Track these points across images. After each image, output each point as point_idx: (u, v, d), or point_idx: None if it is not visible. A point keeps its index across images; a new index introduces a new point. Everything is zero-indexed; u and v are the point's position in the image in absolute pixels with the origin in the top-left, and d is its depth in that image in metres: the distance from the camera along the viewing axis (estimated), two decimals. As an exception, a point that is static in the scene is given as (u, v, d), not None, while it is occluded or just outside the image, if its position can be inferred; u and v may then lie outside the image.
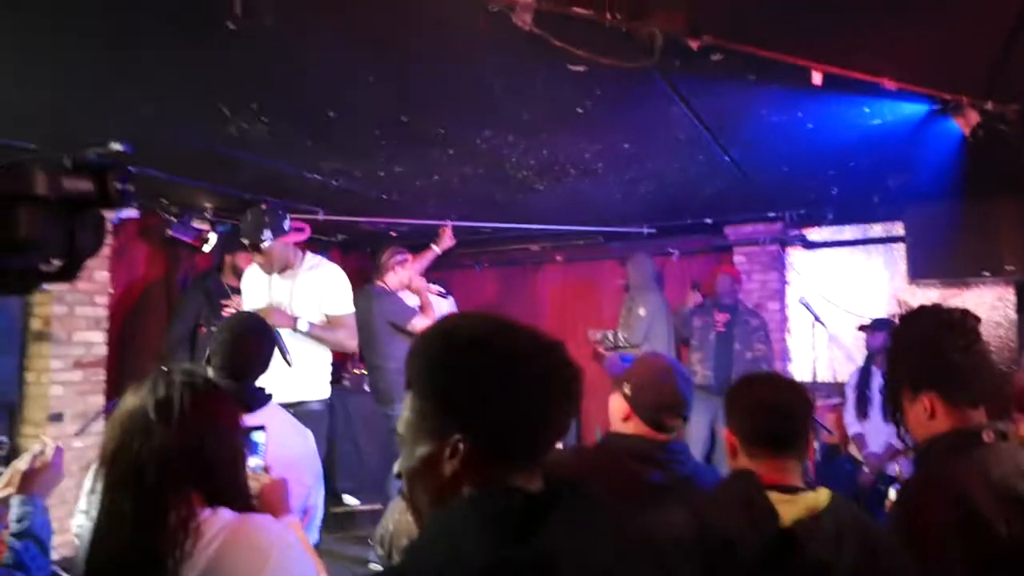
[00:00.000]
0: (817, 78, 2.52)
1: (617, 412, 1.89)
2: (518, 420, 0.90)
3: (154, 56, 2.45)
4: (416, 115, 3.06)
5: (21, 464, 1.81)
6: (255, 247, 3.62)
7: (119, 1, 2.04)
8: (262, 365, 2.23)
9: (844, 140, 3.45)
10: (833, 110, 3.03)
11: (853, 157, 3.77)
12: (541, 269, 7.04)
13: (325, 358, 3.76)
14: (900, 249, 5.29)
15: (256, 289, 3.82)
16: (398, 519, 1.76)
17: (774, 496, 1.38)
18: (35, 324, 4.38)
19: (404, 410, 0.98)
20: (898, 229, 5.29)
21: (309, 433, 2.28)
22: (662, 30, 2.20)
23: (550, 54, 2.27)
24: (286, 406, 3.50)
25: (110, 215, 4.53)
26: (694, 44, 2.27)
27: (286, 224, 3.65)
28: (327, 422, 3.84)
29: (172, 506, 1.27)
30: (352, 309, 3.77)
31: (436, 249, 4.82)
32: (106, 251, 4.57)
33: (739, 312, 5.39)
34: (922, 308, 1.61)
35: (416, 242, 5.85)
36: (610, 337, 5.44)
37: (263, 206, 3.73)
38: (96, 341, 4.52)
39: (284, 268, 3.68)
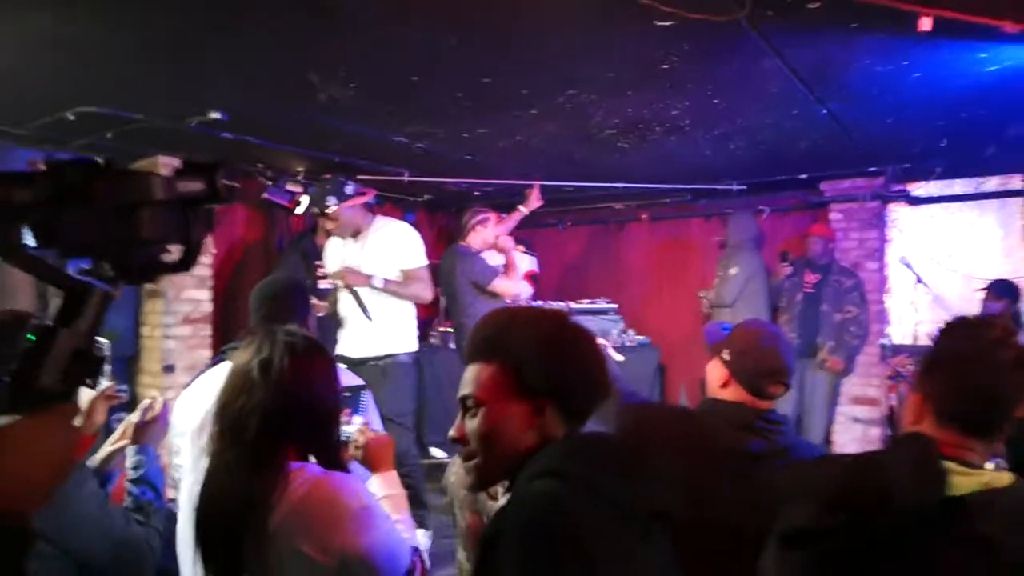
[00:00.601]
0: (926, 24, 2.33)
1: (715, 379, 1.86)
2: (585, 387, 1.21)
3: (250, 29, 2.53)
4: (498, 77, 3.04)
5: (133, 417, 1.97)
6: (322, 213, 3.85)
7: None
8: (300, 320, 2.24)
9: (956, 88, 3.20)
10: (944, 57, 2.81)
11: (966, 107, 3.49)
12: (626, 228, 6.94)
13: (409, 313, 3.91)
14: (1017, 204, 4.91)
15: (333, 254, 4.03)
16: (457, 472, 1.84)
17: (951, 466, 1.27)
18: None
19: (479, 376, 1.18)
20: (1015, 183, 4.89)
21: (359, 381, 2.33)
22: (754, -20, 2.09)
23: (636, 10, 2.20)
24: (374, 359, 3.81)
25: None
26: (789, -7, 2.15)
27: (348, 189, 3.81)
28: (414, 374, 4.02)
29: (267, 457, 1.38)
30: (424, 262, 3.89)
31: (523, 210, 4.82)
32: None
33: (831, 272, 5.17)
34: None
35: (500, 201, 5.88)
36: (709, 296, 5.34)
37: (326, 176, 3.96)
38: (202, 299, 4.82)
39: (356, 232, 3.87)
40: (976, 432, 1.32)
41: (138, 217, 0.67)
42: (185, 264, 0.74)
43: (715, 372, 1.87)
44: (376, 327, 3.82)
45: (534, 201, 4.81)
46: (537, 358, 1.15)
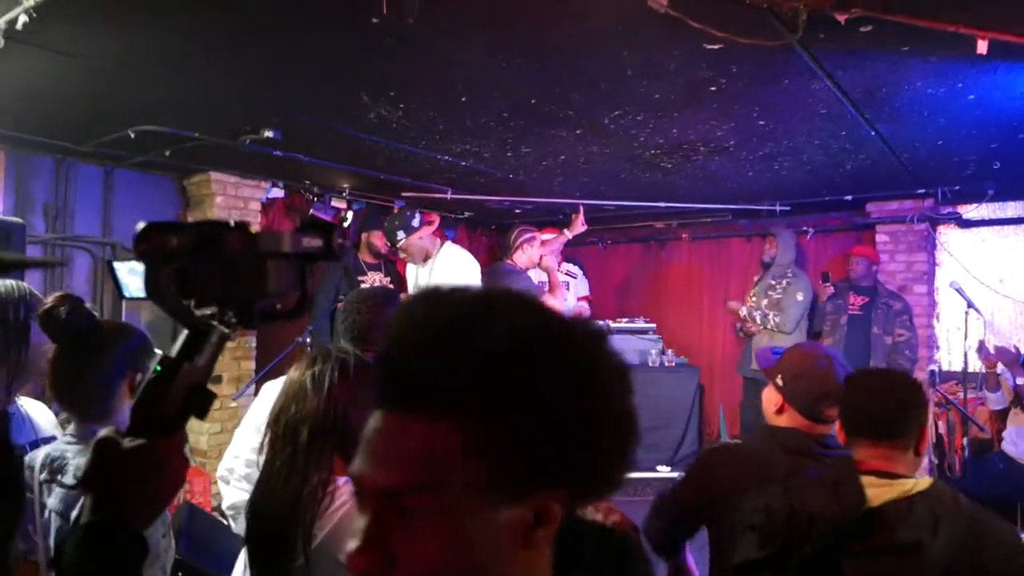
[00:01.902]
0: (982, 47, 2.31)
1: (771, 404, 1.84)
2: (617, 463, 0.65)
3: (304, 51, 2.61)
4: (545, 97, 3.08)
5: None
6: (394, 246, 4.24)
7: (276, 1, 2.19)
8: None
9: (1012, 110, 3.14)
10: (1000, 79, 2.77)
11: (1022, 128, 3.42)
12: (666, 247, 6.92)
13: None
14: (1074, 228, 4.77)
15: (411, 278, 4.49)
16: None
17: (869, 480, 1.44)
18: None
19: (415, 446, 0.59)
20: (1073, 206, 4.76)
21: None
22: (807, 4, 2.09)
23: (686, 33, 2.22)
24: None
25: (260, 196, 4.88)
26: (841, 17, 2.14)
27: (415, 222, 4.17)
28: None
29: (316, 467, 1.41)
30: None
31: (568, 234, 4.86)
32: (256, 228, 4.95)
33: (879, 295, 5.08)
34: None
35: (541, 219, 5.92)
36: (757, 318, 5.25)
37: (395, 211, 4.32)
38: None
39: (425, 258, 4.25)
40: (884, 437, 1.49)
41: (266, 267, 0.74)
42: (298, 312, 0.81)
43: (770, 397, 1.86)
44: None
45: (579, 226, 4.84)
46: (554, 409, 0.59)
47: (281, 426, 1.47)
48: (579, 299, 6.79)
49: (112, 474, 0.72)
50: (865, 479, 1.43)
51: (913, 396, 1.53)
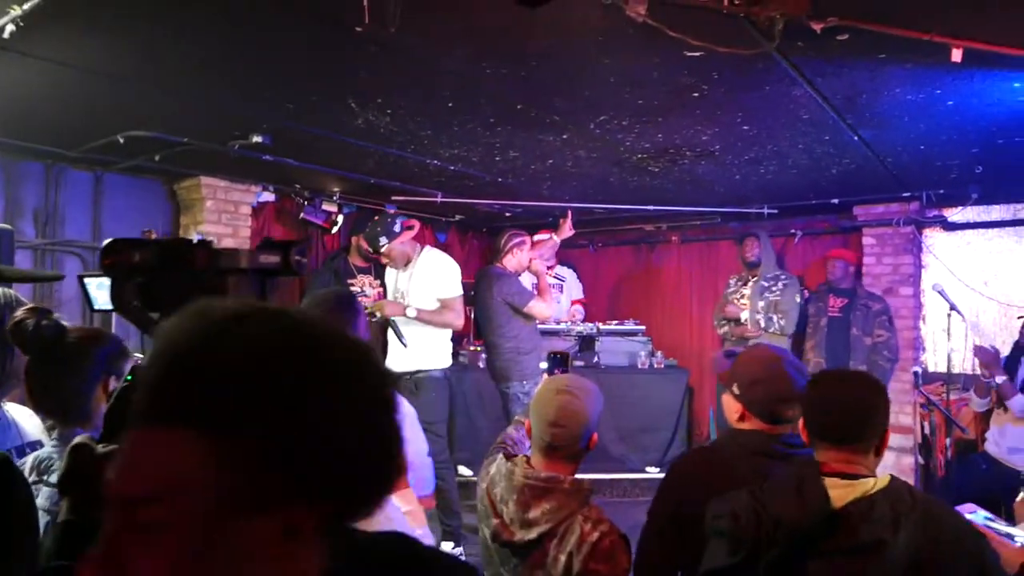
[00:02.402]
0: (957, 55, 2.35)
1: (732, 412, 1.87)
2: (374, 464, 0.65)
3: (291, 59, 2.64)
4: (531, 103, 3.11)
5: None
6: (376, 252, 4.32)
7: (263, 11, 2.22)
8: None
9: (991, 116, 3.19)
10: (977, 86, 2.81)
11: (1001, 134, 3.47)
12: (656, 250, 6.97)
13: (444, 334, 4.34)
14: (1057, 231, 4.83)
15: (391, 282, 4.56)
16: (486, 473, 1.90)
17: (832, 482, 1.47)
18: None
19: (157, 458, 0.58)
20: (1055, 209, 4.82)
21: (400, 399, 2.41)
22: (783, 13, 2.13)
23: (665, 42, 2.26)
24: (409, 374, 4.21)
25: (250, 200, 4.90)
26: (817, 26, 2.18)
27: (396, 227, 4.27)
28: (446, 387, 4.41)
29: None
30: (459, 292, 4.32)
31: (556, 238, 4.90)
32: (247, 232, 4.98)
33: (858, 296, 5.17)
34: None
35: (530, 223, 5.96)
36: (761, 322, 5.26)
37: (375, 217, 4.38)
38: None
39: (407, 262, 4.34)
40: (847, 441, 1.52)
41: (225, 282, 0.78)
42: None
43: (730, 405, 1.88)
44: (412, 347, 4.21)
45: (566, 230, 4.88)
46: (300, 422, 0.58)
47: None
48: (573, 302, 6.83)
49: (86, 477, 0.76)
50: (828, 481, 1.46)
51: (875, 402, 1.56)
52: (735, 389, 1.84)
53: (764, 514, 1.43)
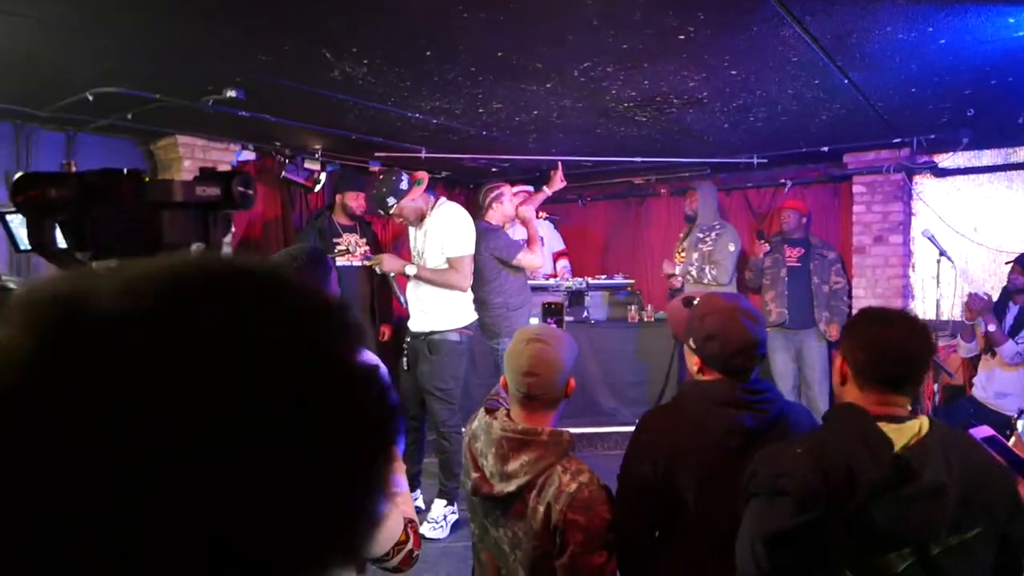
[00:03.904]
0: (950, -11, 2.27)
1: (692, 365, 1.83)
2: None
3: (262, 6, 2.53)
4: (512, 50, 3.01)
5: None
6: (387, 214, 4.10)
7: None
8: None
9: (983, 55, 3.11)
10: (970, 23, 2.73)
11: (994, 74, 3.40)
12: (645, 203, 6.90)
13: (456, 293, 4.09)
14: (1049, 175, 4.78)
15: (412, 240, 4.28)
16: (469, 428, 1.88)
17: (882, 426, 1.43)
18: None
19: None
20: (1047, 153, 4.76)
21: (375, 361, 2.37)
22: (770, -54, 2.04)
23: (648, -20, 2.17)
24: (422, 335, 4.08)
25: (230, 159, 4.78)
26: (806, -41, 2.09)
27: (403, 185, 3.99)
28: (461, 351, 4.16)
29: None
30: (468, 251, 4.07)
31: (547, 191, 4.82)
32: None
33: (813, 246, 5.26)
34: None
35: (518, 177, 5.87)
36: (693, 273, 5.27)
37: (380, 177, 4.12)
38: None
39: (421, 218, 4.10)
40: (898, 387, 1.49)
41: (160, 218, 0.72)
42: None
43: (690, 358, 1.84)
44: (426, 306, 4.08)
45: (557, 182, 4.80)
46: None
47: None
48: (555, 256, 6.76)
49: None
50: (880, 425, 1.43)
51: (928, 345, 1.53)
52: (691, 343, 1.79)
53: (831, 468, 1.37)
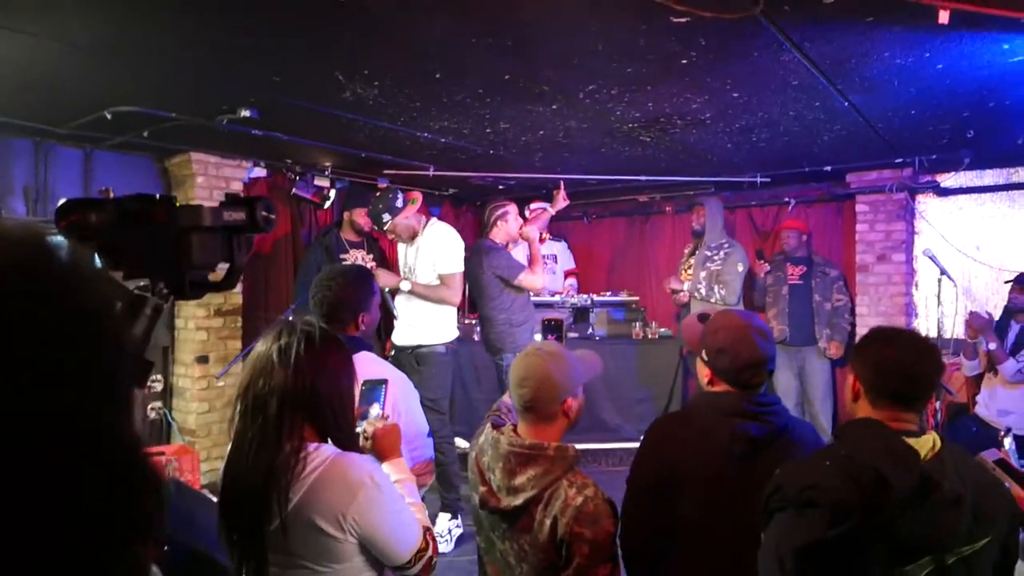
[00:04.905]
0: (944, 17, 2.33)
1: (702, 377, 1.90)
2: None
3: (276, 29, 2.62)
4: (518, 73, 3.09)
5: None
6: (381, 230, 4.30)
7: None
8: (351, 311, 2.36)
9: (980, 79, 3.17)
10: (966, 49, 2.80)
11: (992, 97, 3.46)
12: (650, 221, 6.96)
13: (447, 308, 4.28)
14: (1050, 196, 4.82)
15: (402, 258, 4.51)
16: (476, 442, 1.93)
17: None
18: (182, 276, 4.87)
19: None
20: (1048, 173, 4.81)
21: (392, 369, 2.43)
22: (768, -24, 2.12)
23: (651, 9, 2.24)
24: (411, 348, 4.22)
25: (241, 176, 4.88)
26: (803, -11, 2.16)
27: (399, 203, 4.21)
28: (448, 363, 4.35)
29: (287, 435, 1.48)
30: (458, 268, 4.25)
31: (551, 210, 4.90)
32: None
33: (815, 264, 5.31)
34: None
35: (524, 195, 5.94)
36: (701, 291, 5.25)
37: (377, 194, 4.35)
38: (233, 291, 4.96)
39: (413, 236, 4.30)
40: (909, 404, 1.53)
41: (189, 241, 0.77)
42: (229, 283, 0.84)
43: (701, 370, 1.91)
44: (414, 320, 4.22)
45: (560, 202, 4.87)
46: None
47: (250, 399, 1.52)
48: (566, 274, 6.84)
49: None
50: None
51: (940, 364, 1.58)
52: (703, 355, 1.86)
53: (862, 478, 1.39)
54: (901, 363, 1.54)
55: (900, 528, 1.38)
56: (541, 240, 4.84)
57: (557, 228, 6.77)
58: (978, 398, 4.46)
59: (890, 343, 1.59)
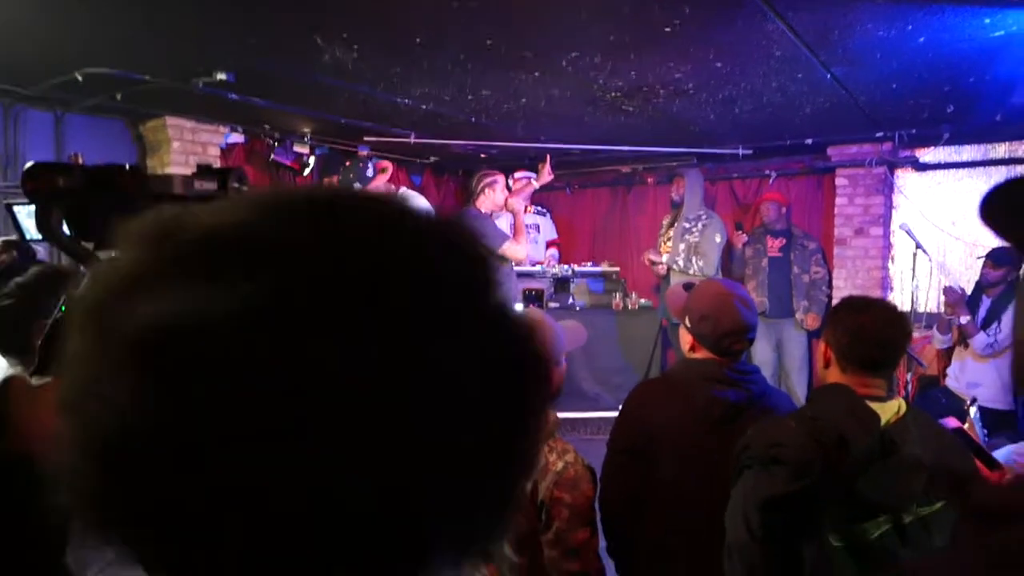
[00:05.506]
0: (927, -11, 2.33)
1: (684, 343, 1.93)
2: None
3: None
4: (500, 39, 3.05)
5: None
6: None
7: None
8: None
9: (961, 54, 3.18)
10: (948, 22, 2.80)
11: (972, 72, 3.47)
12: (632, 192, 6.95)
13: None
14: (1024, 171, 4.87)
15: None
16: None
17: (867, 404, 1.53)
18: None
19: None
20: (1024, 150, 4.86)
21: None
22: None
23: (634, -26, 2.21)
24: None
25: (218, 141, 4.80)
26: (788, -43, 2.14)
27: (369, 172, 4.22)
28: None
29: None
30: None
31: (535, 183, 4.87)
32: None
33: (794, 236, 5.35)
34: None
35: (506, 164, 5.90)
36: (680, 263, 5.30)
37: (347, 163, 4.33)
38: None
39: None
40: (878, 370, 1.58)
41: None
42: None
43: (683, 337, 1.94)
44: None
45: (545, 175, 4.84)
46: None
47: None
48: (548, 244, 6.84)
49: (19, 409, 0.75)
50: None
51: (908, 331, 1.63)
52: (687, 322, 1.89)
53: (824, 439, 1.45)
54: (873, 330, 1.58)
55: (860, 487, 1.44)
56: (525, 211, 4.83)
57: (540, 198, 6.74)
58: (948, 371, 4.55)
59: (863, 311, 1.63)
